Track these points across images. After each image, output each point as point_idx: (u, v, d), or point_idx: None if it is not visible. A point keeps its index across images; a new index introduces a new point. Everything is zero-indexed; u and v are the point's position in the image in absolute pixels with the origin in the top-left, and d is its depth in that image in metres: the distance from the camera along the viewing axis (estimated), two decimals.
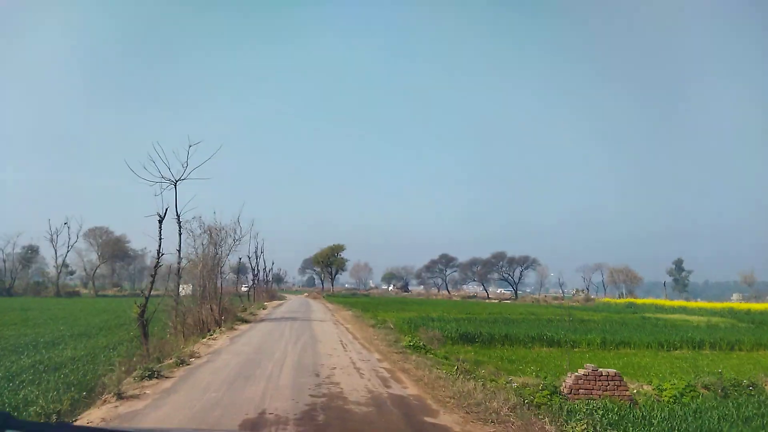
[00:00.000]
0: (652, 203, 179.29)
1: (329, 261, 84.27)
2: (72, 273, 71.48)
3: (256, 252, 42.39)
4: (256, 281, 40.91)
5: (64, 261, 65.49)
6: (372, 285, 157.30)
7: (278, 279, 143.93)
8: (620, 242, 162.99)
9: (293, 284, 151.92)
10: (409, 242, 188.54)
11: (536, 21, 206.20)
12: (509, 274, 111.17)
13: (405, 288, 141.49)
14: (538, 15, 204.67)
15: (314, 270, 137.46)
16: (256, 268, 41.86)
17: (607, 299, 64.63)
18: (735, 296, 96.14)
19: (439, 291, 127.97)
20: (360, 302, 47.73)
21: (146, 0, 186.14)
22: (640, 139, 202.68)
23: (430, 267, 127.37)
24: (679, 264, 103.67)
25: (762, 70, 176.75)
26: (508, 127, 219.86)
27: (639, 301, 60.04)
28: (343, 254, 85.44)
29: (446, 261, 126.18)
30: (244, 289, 42.98)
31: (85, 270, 70.80)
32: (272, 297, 45.96)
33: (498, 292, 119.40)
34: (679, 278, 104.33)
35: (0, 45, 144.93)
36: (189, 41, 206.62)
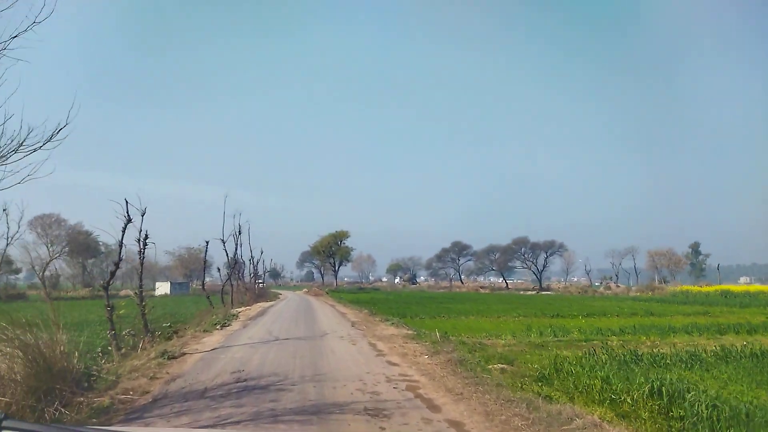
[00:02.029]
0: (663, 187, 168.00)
1: (331, 251, 71.69)
2: (17, 272, 58.74)
3: (234, 236, 29.88)
4: (231, 275, 28.33)
5: (3, 257, 52.54)
6: (374, 278, 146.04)
7: (275, 274, 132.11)
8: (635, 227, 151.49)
9: (291, 279, 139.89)
10: (415, 231, 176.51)
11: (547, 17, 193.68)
12: (532, 261, 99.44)
13: (412, 280, 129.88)
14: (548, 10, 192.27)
15: (313, 263, 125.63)
16: (236, 257, 29.34)
17: (685, 287, 52.32)
18: (743, 279, 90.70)
19: (451, 283, 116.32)
20: (376, 300, 35.29)
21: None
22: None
23: (441, 256, 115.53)
24: (695, 248, 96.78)
25: None
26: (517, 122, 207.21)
27: (737, 288, 47.65)
28: (347, 242, 72.68)
29: (459, 249, 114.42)
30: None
31: (34, 268, 57.79)
32: (259, 296, 33.43)
33: (515, 281, 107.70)
34: (696, 262, 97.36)
35: None
36: (178, 36, 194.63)
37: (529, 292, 62.33)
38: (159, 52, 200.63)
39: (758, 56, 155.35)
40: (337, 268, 76.21)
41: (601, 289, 63.01)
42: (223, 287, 27.19)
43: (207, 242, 25.60)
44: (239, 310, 23.17)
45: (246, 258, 41.23)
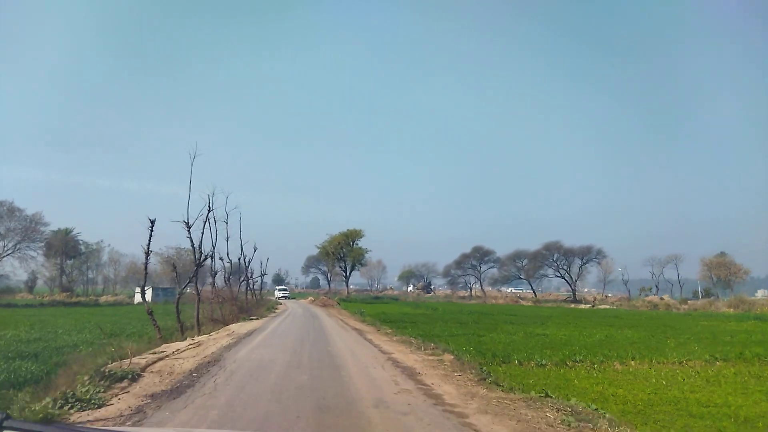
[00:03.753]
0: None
1: (342, 253, 60.85)
2: None
3: (207, 220, 19.40)
4: (196, 277, 17.82)
5: None
6: (384, 286, 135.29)
7: (279, 280, 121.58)
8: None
9: (296, 286, 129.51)
10: (429, 236, 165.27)
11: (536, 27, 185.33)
12: (566, 270, 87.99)
13: (427, 288, 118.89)
14: (537, 20, 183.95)
15: (319, 268, 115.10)
16: (204, 254, 18.84)
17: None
18: (759, 293, 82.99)
19: (471, 292, 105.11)
20: (413, 318, 24.39)
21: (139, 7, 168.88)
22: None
23: (461, 263, 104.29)
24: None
25: None
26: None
27: None
28: (360, 243, 61.68)
29: (481, 255, 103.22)
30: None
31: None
32: (245, 311, 22.61)
33: (541, 292, 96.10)
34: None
35: None
36: (180, 51, 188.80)
37: (582, 306, 51.07)
38: (160, 65, 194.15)
39: None
40: (348, 273, 65.33)
41: (672, 302, 51.53)
42: (178, 298, 16.60)
43: (152, 222, 15.00)
44: (194, 341, 12.49)
45: (237, 257, 30.80)
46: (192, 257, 19.96)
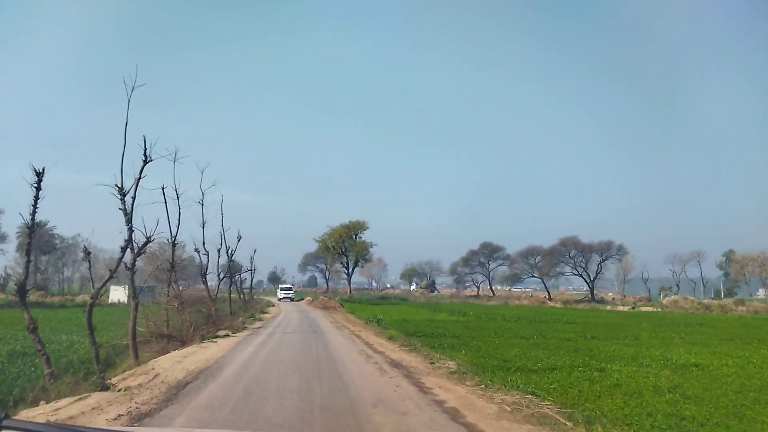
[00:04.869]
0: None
1: (344, 247, 53.90)
2: None
3: (164, 194, 12.62)
4: (133, 267, 10.95)
5: None
6: (383, 285, 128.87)
7: (275, 279, 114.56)
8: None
9: (292, 285, 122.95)
10: (432, 232, 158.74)
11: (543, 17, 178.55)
12: (583, 267, 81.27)
13: (431, 287, 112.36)
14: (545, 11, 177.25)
15: (317, 266, 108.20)
16: (148, 237, 11.80)
17: None
18: (762, 291, 79.09)
19: (479, 291, 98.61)
20: (447, 327, 17.57)
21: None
22: None
23: (468, 260, 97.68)
24: (729, 256, 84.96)
25: None
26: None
27: None
28: (364, 236, 54.57)
29: (490, 252, 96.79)
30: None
31: None
32: (220, 321, 15.64)
33: (555, 292, 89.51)
34: (729, 271, 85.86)
35: None
36: (181, 39, 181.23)
37: (620, 308, 44.43)
38: (158, 53, 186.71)
39: None
40: (351, 270, 58.36)
41: (726, 302, 44.95)
42: (89, 310, 9.76)
43: (40, 174, 8.15)
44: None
45: (219, 250, 24.02)
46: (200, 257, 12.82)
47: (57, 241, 69.49)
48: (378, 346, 12.21)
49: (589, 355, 11.38)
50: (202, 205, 21.27)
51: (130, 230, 10.79)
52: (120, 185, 10.80)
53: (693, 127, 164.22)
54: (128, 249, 10.91)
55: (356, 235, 53.20)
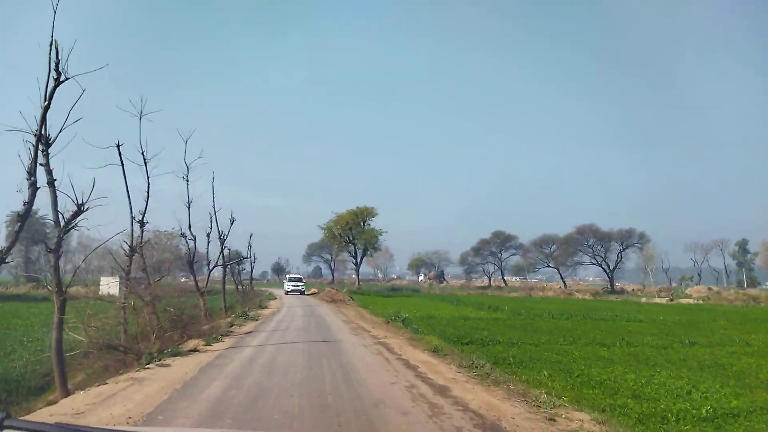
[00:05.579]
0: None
1: (351, 235, 49.86)
2: None
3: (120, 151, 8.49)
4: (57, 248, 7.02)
5: None
6: (388, 276, 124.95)
7: (279, 269, 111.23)
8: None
9: (302, 276, 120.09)
10: (438, 222, 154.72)
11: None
12: (603, 257, 76.98)
13: (440, 278, 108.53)
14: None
15: (322, 257, 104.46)
16: (80, 204, 7.66)
17: None
18: None
19: (490, 281, 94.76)
20: (485, 328, 13.61)
21: None
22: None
23: (479, 249, 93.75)
24: (743, 245, 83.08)
25: None
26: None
27: None
28: (373, 223, 50.38)
29: (502, 241, 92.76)
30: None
31: None
32: (178, 327, 11.65)
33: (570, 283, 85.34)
34: (743, 261, 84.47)
35: None
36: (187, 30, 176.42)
37: (656, 300, 40.31)
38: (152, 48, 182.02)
39: None
40: (359, 259, 54.28)
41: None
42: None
43: None
44: None
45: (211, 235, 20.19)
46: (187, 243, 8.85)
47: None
48: (428, 372, 7.79)
49: (743, 378, 7.34)
50: (187, 181, 17.38)
51: (34, 187, 6.81)
52: (41, 132, 6.85)
53: (713, 113, 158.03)
54: (29, 216, 6.91)
55: (365, 222, 49.22)
